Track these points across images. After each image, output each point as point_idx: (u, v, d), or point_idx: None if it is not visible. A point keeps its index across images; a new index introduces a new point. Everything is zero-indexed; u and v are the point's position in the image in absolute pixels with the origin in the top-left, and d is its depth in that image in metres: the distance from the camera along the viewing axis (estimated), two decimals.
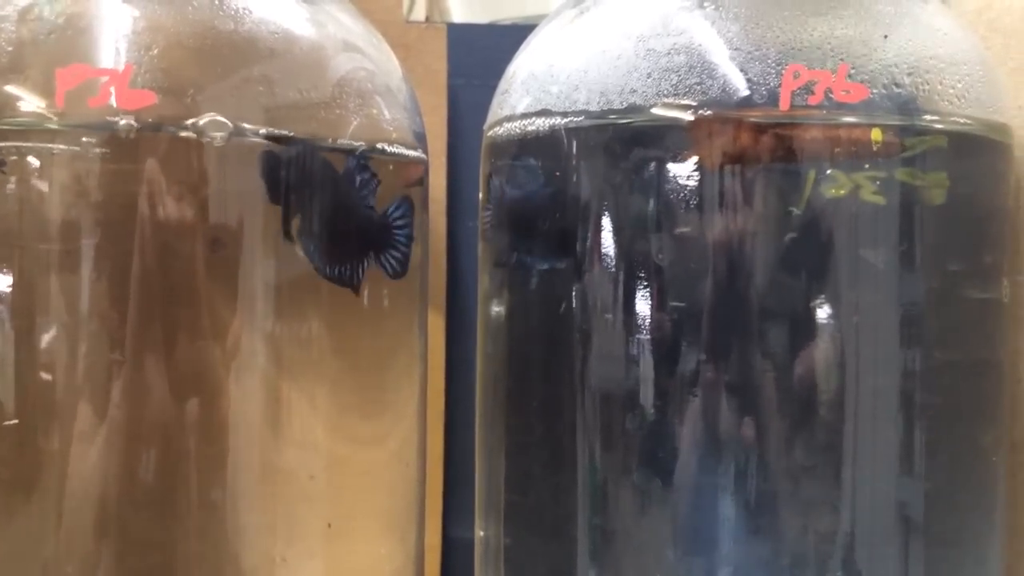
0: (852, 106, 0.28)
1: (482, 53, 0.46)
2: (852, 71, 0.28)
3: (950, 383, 0.30)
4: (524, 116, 0.32)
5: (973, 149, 0.30)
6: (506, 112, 0.33)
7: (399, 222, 0.32)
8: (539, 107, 0.32)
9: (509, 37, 0.38)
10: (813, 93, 0.27)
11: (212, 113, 0.29)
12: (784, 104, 0.28)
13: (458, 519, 0.45)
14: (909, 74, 0.29)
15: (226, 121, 0.29)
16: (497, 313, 0.33)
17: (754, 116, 0.28)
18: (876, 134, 0.27)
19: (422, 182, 0.36)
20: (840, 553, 0.29)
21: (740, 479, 0.29)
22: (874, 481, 0.29)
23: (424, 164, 0.36)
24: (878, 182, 0.28)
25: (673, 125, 0.29)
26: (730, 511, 0.29)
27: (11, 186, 0.29)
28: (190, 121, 0.29)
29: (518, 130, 0.33)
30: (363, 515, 0.32)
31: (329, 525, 0.31)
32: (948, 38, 0.30)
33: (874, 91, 0.28)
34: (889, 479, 0.29)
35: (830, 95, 0.27)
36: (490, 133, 0.34)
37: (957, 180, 0.29)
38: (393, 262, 0.32)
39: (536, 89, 0.32)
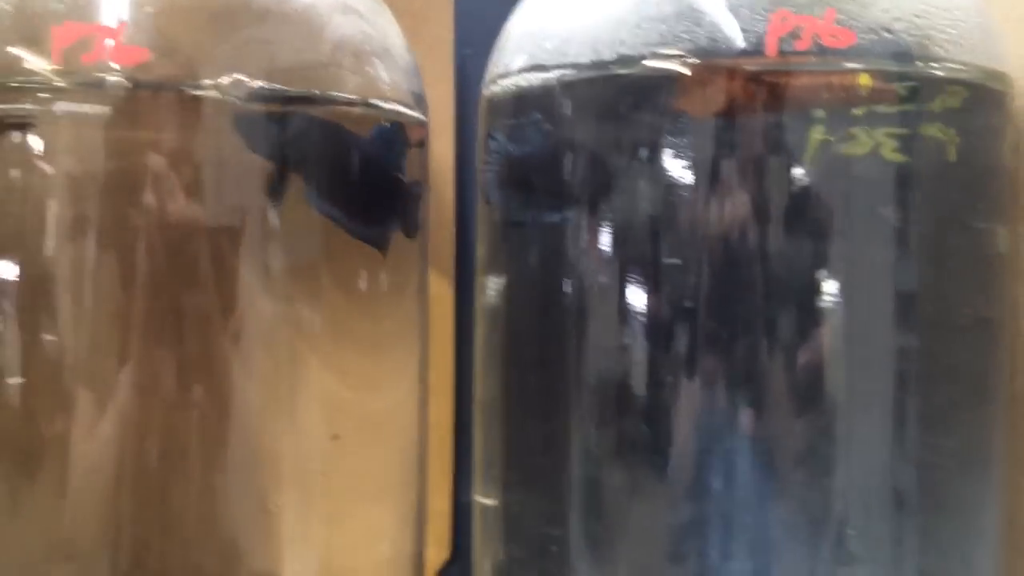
0: (841, 52, 0.27)
1: (492, 22, 0.46)
2: (840, 16, 0.28)
3: (948, 339, 0.30)
4: (518, 72, 0.33)
5: (970, 97, 0.30)
6: (500, 70, 0.33)
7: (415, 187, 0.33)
8: (533, 62, 0.32)
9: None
10: (800, 39, 0.27)
11: (233, 74, 0.30)
12: (771, 50, 0.27)
13: (470, 484, 0.45)
14: (898, 19, 0.28)
15: (246, 80, 0.30)
16: (491, 274, 0.34)
17: (742, 64, 0.28)
18: (864, 79, 0.27)
19: (422, 144, 0.36)
20: (838, 507, 0.29)
21: (740, 444, 0.28)
22: (870, 438, 0.29)
23: (424, 127, 0.36)
24: (870, 131, 0.28)
25: (662, 75, 0.29)
26: (730, 477, 0.29)
27: (16, 147, 0.29)
28: (208, 81, 0.29)
29: (513, 87, 0.33)
30: (353, 479, 0.32)
31: (322, 474, 0.31)
32: None
33: (863, 36, 0.28)
34: (886, 436, 0.29)
35: (818, 40, 0.27)
36: (486, 92, 0.34)
37: (954, 129, 0.29)
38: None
39: (530, 45, 0.32)
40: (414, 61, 0.36)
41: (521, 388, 0.33)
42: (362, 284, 0.32)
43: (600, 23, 0.30)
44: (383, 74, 0.33)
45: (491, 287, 0.34)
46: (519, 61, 0.33)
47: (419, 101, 0.36)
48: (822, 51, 0.27)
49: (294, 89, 0.30)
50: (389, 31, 0.35)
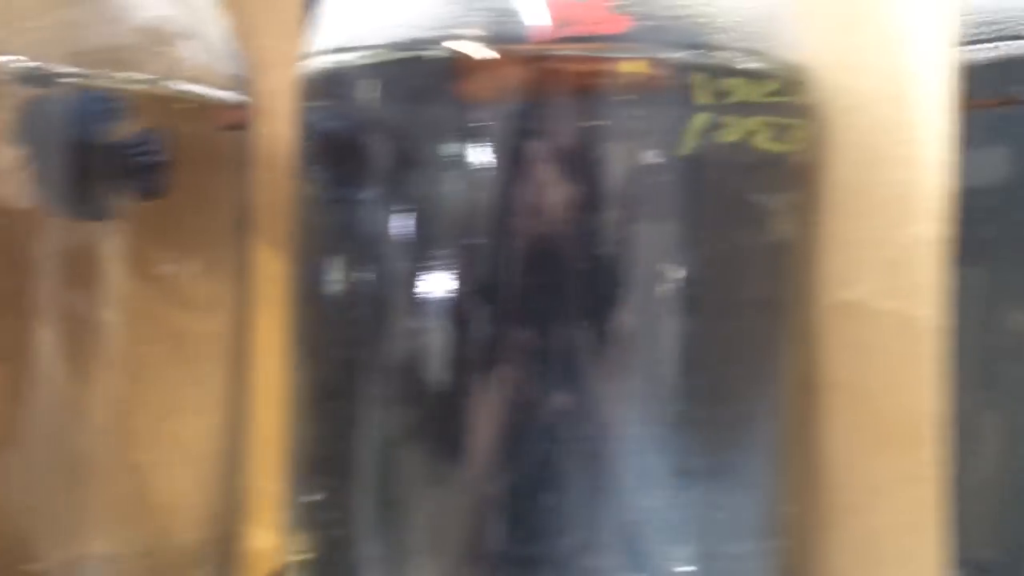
0: (617, 38, 0.28)
1: None
2: (621, 2, 0.28)
3: (733, 325, 0.30)
4: (327, 52, 0.32)
5: (758, 87, 0.30)
6: (313, 49, 0.33)
7: (139, 149, 0.32)
8: (338, 43, 0.32)
9: None
10: (573, 24, 0.27)
11: (14, 55, 0.29)
12: (547, 35, 0.27)
13: None
14: (683, 7, 0.28)
15: (31, 62, 0.29)
16: (301, 255, 0.34)
17: (521, 49, 0.28)
18: (635, 67, 0.27)
19: (240, 126, 0.36)
20: (619, 490, 0.29)
21: (528, 434, 0.29)
22: (652, 420, 0.29)
23: (245, 108, 0.36)
24: (649, 120, 0.28)
25: (445, 59, 0.29)
26: (516, 467, 0.29)
27: None
28: None
29: (323, 66, 0.33)
30: (159, 458, 0.32)
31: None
32: None
33: (641, 23, 0.28)
34: (668, 417, 0.29)
35: (589, 26, 0.27)
36: (302, 72, 0.34)
37: (740, 117, 0.29)
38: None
39: (337, 25, 0.32)
40: (232, 40, 0.36)
41: (322, 374, 0.33)
42: (161, 266, 0.32)
43: (396, 5, 0.30)
44: (189, 55, 0.33)
45: (301, 269, 0.34)
46: (328, 41, 0.33)
47: (237, 83, 0.36)
48: (596, 37, 0.27)
49: (81, 70, 0.30)
50: (202, 12, 0.35)
